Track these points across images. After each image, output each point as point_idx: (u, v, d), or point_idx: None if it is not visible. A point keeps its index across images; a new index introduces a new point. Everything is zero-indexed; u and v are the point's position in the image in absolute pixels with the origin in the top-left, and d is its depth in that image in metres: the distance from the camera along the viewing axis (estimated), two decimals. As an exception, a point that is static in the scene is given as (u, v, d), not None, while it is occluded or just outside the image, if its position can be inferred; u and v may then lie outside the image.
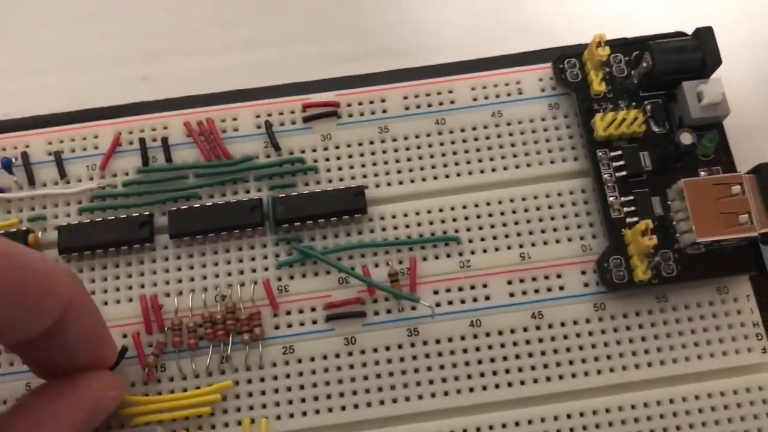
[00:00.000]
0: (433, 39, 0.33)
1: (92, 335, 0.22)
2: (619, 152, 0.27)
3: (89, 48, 0.33)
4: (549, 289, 0.27)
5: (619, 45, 0.29)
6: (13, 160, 0.28)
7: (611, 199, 0.27)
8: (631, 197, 0.27)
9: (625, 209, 0.27)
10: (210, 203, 0.27)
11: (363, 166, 0.28)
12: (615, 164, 0.27)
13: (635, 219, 0.27)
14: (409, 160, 0.28)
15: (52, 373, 0.23)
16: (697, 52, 0.27)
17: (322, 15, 0.33)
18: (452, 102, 0.29)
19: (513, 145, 0.28)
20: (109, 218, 0.27)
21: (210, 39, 0.33)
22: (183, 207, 0.27)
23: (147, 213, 0.27)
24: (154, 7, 0.34)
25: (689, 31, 0.28)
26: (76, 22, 0.34)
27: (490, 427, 0.25)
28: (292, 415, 0.25)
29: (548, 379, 0.26)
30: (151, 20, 0.33)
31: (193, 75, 0.32)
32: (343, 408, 0.25)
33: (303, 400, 0.26)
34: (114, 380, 0.23)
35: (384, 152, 0.28)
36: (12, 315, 0.19)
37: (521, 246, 0.27)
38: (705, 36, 0.27)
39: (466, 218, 0.27)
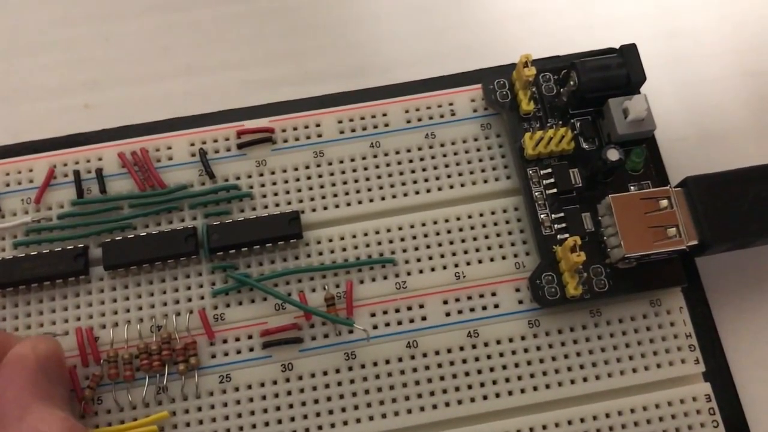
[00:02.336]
0: (367, 61, 0.33)
1: None
2: (549, 170, 0.28)
3: (31, 79, 0.33)
4: (484, 308, 0.27)
5: (548, 63, 0.29)
6: (-54, 196, 0.28)
7: (542, 216, 0.27)
8: (562, 214, 0.27)
9: (556, 226, 0.27)
10: (144, 233, 0.27)
11: (299, 190, 0.28)
12: (545, 182, 0.28)
13: (566, 235, 0.27)
14: (344, 183, 0.29)
15: None
16: (622, 69, 0.27)
17: (258, 41, 0.34)
18: (386, 125, 0.29)
19: (447, 166, 0.29)
20: (44, 251, 0.27)
21: (150, 66, 0.33)
22: (117, 238, 0.27)
23: (82, 245, 0.27)
24: (95, 36, 0.34)
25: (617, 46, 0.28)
26: (16, 54, 0.34)
27: (428, 448, 0.25)
28: (230, 444, 0.25)
29: (485, 397, 0.26)
30: (92, 49, 0.33)
31: (133, 103, 0.32)
32: (281, 434, 0.25)
33: (241, 429, 0.26)
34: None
35: (319, 176, 0.29)
36: None
37: (456, 265, 0.27)
38: (629, 53, 0.28)
39: (402, 239, 0.28)
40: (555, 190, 0.27)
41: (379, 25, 0.33)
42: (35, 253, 0.27)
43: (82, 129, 0.31)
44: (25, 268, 0.27)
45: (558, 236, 0.27)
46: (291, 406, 0.26)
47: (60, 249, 0.27)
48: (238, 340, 0.26)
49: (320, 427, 0.26)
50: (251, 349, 0.26)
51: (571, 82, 0.28)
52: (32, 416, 0.21)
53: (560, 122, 0.28)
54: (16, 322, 0.27)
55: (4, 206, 0.28)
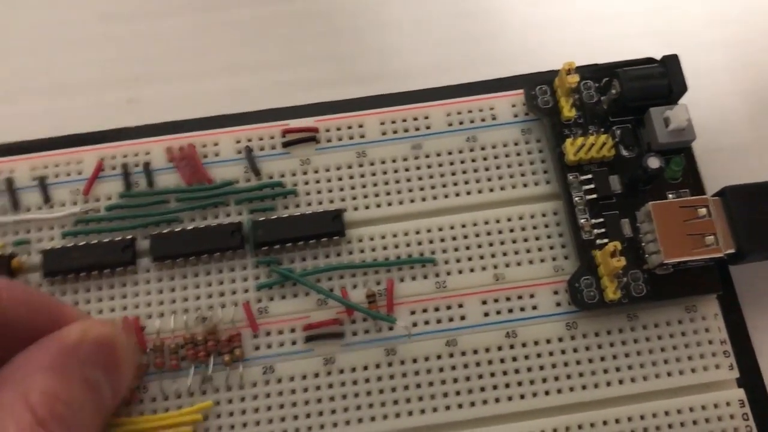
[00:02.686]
0: (409, 65, 0.33)
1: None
2: (590, 176, 0.28)
3: (74, 73, 0.34)
4: (522, 309, 0.27)
5: (590, 71, 0.30)
6: (-2, 186, 0.29)
7: (582, 221, 0.28)
8: (601, 219, 0.28)
9: (595, 231, 0.28)
10: (191, 227, 0.28)
11: (341, 189, 0.29)
12: (585, 187, 0.28)
13: (605, 240, 0.27)
14: (386, 183, 0.29)
15: None
16: (664, 79, 0.28)
17: (301, 42, 0.34)
18: (428, 127, 0.30)
19: (487, 169, 0.29)
20: (93, 242, 0.28)
21: (194, 65, 0.34)
22: (165, 231, 0.28)
23: (129, 237, 0.28)
24: (139, 33, 0.34)
25: (659, 56, 0.29)
26: (61, 48, 0.34)
27: (466, 444, 0.26)
28: (272, 434, 0.26)
29: (522, 396, 0.26)
30: (136, 46, 0.34)
31: (176, 100, 0.33)
32: (322, 427, 0.26)
33: (283, 419, 0.26)
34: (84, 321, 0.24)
35: (362, 176, 0.29)
36: None
37: (495, 267, 0.28)
38: (671, 63, 0.28)
39: (442, 240, 0.28)
40: (595, 196, 0.28)
41: (420, 30, 0.34)
42: (84, 243, 0.28)
43: (124, 124, 0.31)
44: (74, 258, 0.27)
45: (597, 241, 0.27)
46: (332, 398, 0.26)
47: (108, 240, 0.28)
48: (281, 333, 0.27)
49: (360, 420, 0.26)
50: (294, 343, 0.27)
51: (613, 91, 0.28)
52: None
53: (600, 129, 0.29)
54: (64, 310, 0.27)
55: (53, 197, 0.29)
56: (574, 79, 0.28)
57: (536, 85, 0.30)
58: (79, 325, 0.23)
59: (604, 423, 0.26)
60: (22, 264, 0.28)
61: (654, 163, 0.27)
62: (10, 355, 0.22)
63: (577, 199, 0.28)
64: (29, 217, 0.28)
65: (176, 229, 0.28)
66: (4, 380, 0.21)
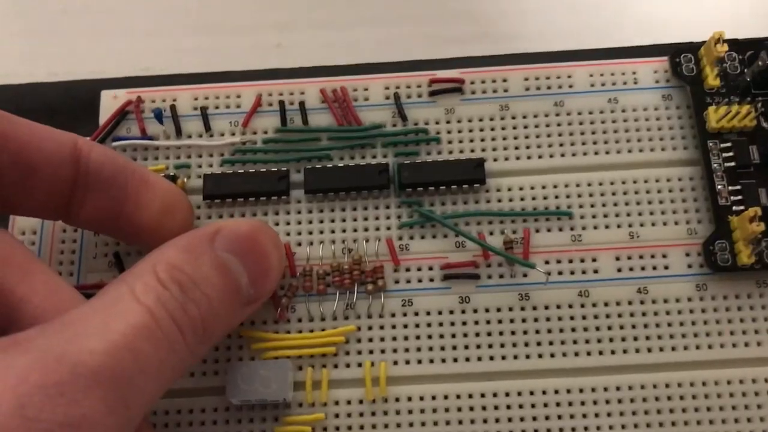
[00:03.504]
0: (551, 27, 0.34)
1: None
2: (729, 144, 0.29)
3: (226, 14, 0.36)
4: (654, 268, 0.28)
5: (735, 43, 0.30)
6: (163, 111, 0.31)
7: (719, 187, 0.29)
8: (738, 187, 0.28)
9: (732, 198, 0.28)
10: (341, 164, 0.30)
11: (483, 140, 0.30)
12: (724, 155, 0.29)
13: (741, 207, 0.28)
14: (526, 137, 0.30)
15: None
16: (814, 55, 0.28)
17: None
18: (570, 86, 0.31)
19: (627, 131, 0.30)
20: (250, 171, 0.30)
21: (340, 14, 0.35)
22: (317, 166, 0.30)
23: (284, 168, 0.30)
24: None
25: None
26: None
27: (593, 389, 0.27)
28: (408, 362, 0.28)
29: (649, 350, 0.27)
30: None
31: (322, 47, 0.35)
32: (455, 360, 0.28)
33: (418, 350, 0.28)
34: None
35: (503, 129, 0.30)
36: None
37: (630, 225, 0.29)
38: (821, 40, 0.28)
39: (579, 196, 0.29)
40: (733, 164, 0.29)
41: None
42: (242, 171, 0.30)
43: (272, 66, 0.33)
44: (232, 184, 0.29)
45: (733, 207, 0.28)
46: (465, 335, 0.28)
47: (264, 170, 0.30)
48: (419, 269, 0.29)
49: (492, 358, 0.28)
50: (431, 280, 0.28)
51: (760, 63, 0.29)
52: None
53: (742, 100, 0.29)
54: (220, 232, 0.29)
55: (214, 127, 0.31)
56: (723, 48, 0.29)
57: (681, 53, 0.30)
58: (221, 221, 0.25)
59: (728, 382, 0.27)
60: (183, 186, 0.30)
61: (797, 135, 0.27)
62: (109, 211, 0.25)
63: (715, 165, 0.29)
64: (191, 143, 0.30)
65: (327, 165, 0.30)
66: (143, 258, 0.23)
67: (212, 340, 0.24)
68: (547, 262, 0.29)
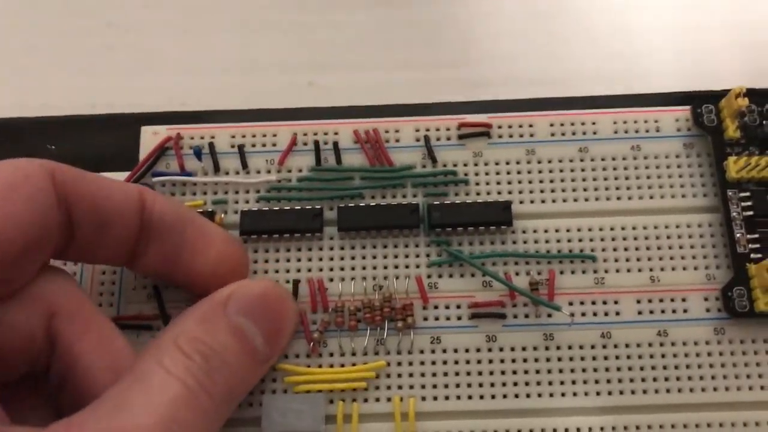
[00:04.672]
0: (573, 73, 0.36)
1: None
2: (748, 193, 0.30)
3: (261, 53, 0.37)
4: (674, 311, 0.29)
5: (754, 95, 0.31)
6: (201, 149, 0.32)
7: (738, 235, 0.30)
8: (756, 235, 0.30)
9: (750, 245, 0.29)
10: (373, 203, 0.31)
11: (509, 183, 0.31)
12: (743, 204, 0.30)
13: (759, 255, 0.29)
14: (551, 181, 0.31)
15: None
16: (830, 109, 0.30)
17: (472, 43, 0.37)
18: (595, 133, 0.32)
19: (648, 177, 0.31)
20: (285, 208, 0.31)
21: (370, 56, 0.37)
22: (350, 204, 0.31)
23: (318, 207, 0.31)
24: (321, 22, 0.37)
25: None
26: (250, 30, 0.38)
27: (613, 428, 0.28)
28: (436, 398, 0.29)
29: (668, 390, 0.28)
30: (319, 33, 0.37)
31: (354, 87, 0.36)
32: (481, 397, 0.29)
33: (446, 386, 0.29)
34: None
35: (529, 172, 0.32)
36: None
37: (651, 270, 0.30)
38: (838, 95, 0.30)
39: (602, 239, 0.30)
40: (752, 213, 0.30)
41: (589, 41, 0.36)
42: (277, 208, 0.31)
43: (303, 104, 0.34)
44: (268, 220, 0.31)
45: (751, 255, 0.29)
46: (491, 373, 0.29)
47: (299, 207, 0.31)
48: (448, 308, 0.30)
49: (516, 395, 0.29)
50: (459, 318, 0.30)
51: (778, 116, 0.30)
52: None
53: (759, 151, 0.31)
54: (255, 266, 0.30)
55: (250, 164, 0.32)
56: (744, 102, 0.30)
57: (702, 104, 0.32)
58: (233, 285, 0.27)
59: (744, 425, 0.28)
60: (221, 222, 0.31)
61: (814, 188, 0.28)
62: (168, 258, 0.27)
63: (734, 214, 0.30)
64: (228, 180, 0.32)
65: (360, 204, 0.31)
66: (164, 330, 0.26)
67: (237, 400, 0.26)
68: (570, 303, 0.30)
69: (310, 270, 0.30)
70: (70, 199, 0.24)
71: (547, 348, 0.29)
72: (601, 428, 0.28)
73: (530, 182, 0.31)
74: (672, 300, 0.30)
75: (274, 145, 0.32)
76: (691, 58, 0.36)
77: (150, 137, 0.32)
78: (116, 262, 0.28)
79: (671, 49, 0.36)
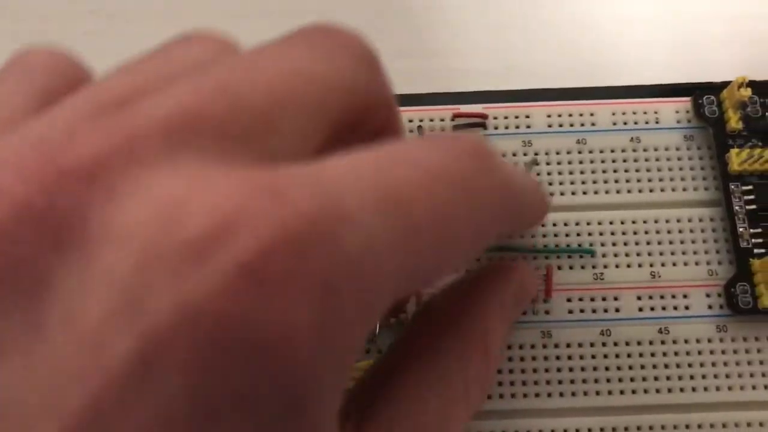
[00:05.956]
0: (575, 63, 0.35)
1: None
2: (750, 187, 0.29)
3: (250, 41, 0.36)
4: (675, 308, 0.29)
5: (756, 86, 0.30)
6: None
7: (741, 229, 0.29)
8: (760, 230, 0.29)
9: (753, 240, 0.29)
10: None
11: (505, 175, 0.30)
12: (746, 197, 0.29)
13: (762, 250, 0.28)
14: (548, 174, 0.30)
15: None
16: (835, 100, 0.29)
17: (466, 32, 0.36)
18: (593, 124, 0.31)
19: (648, 170, 0.30)
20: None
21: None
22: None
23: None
24: (313, 11, 0.36)
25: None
26: (239, 17, 0.36)
27: (613, 429, 0.27)
28: (430, 398, 0.27)
29: (669, 390, 0.28)
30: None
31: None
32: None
33: (441, 386, 0.28)
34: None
35: (525, 164, 0.31)
36: None
37: (651, 265, 0.29)
38: (843, 86, 0.29)
39: (601, 234, 0.29)
40: (754, 207, 0.29)
41: (596, 30, 0.35)
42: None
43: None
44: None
45: (755, 250, 0.28)
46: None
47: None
48: (442, 305, 0.29)
49: (513, 395, 0.28)
50: (454, 316, 0.28)
51: (782, 107, 0.29)
52: None
53: (762, 143, 0.30)
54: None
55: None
56: (747, 92, 0.29)
57: (703, 95, 0.31)
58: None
59: (748, 425, 0.27)
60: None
61: (820, 181, 0.27)
62: None
63: (737, 208, 0.29)
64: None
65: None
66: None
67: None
68: (569, 300, 0.29)
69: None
70: None
71: (544, 346, 0.28)
72: (601, 429, 0.27)
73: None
74: (673, 296, 0.29)
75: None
76: (692, 49, 0.35)
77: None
78: None
79: (671, 39, 0.35)
